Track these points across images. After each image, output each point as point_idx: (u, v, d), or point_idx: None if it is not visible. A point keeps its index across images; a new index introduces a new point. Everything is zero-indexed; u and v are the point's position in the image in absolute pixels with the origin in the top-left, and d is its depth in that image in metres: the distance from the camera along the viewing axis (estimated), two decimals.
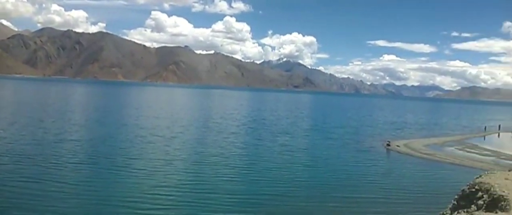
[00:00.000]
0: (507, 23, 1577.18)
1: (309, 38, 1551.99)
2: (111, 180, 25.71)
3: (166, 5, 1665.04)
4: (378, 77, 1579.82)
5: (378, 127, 76.44)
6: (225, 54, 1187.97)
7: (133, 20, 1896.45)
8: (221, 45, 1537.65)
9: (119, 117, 68.03)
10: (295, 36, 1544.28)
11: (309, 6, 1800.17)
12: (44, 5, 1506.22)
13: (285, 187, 26.52)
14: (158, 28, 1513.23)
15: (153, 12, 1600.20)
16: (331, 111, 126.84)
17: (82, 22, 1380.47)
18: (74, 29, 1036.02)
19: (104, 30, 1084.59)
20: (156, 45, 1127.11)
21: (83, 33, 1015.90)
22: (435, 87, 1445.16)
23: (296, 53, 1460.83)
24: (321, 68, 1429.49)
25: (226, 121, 70.27)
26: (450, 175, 33.55)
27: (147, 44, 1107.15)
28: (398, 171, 34.98)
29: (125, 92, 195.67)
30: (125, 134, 46.41)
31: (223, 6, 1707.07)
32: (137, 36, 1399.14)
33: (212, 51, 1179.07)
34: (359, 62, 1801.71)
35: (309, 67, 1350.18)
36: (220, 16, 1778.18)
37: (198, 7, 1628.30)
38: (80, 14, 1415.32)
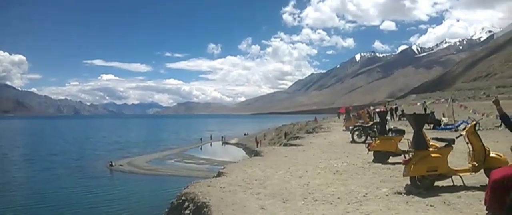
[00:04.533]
0: (211, 45, 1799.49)
1: (18, 57, 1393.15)
2: None
3: None
4: (98, 97, 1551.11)
5: (101, 148, 74.52)
6: None
7: None
8: None
9: None
10: (1, 54, 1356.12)
11: (14, 22, 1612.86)
12: None
13: None
14: None
15: None
16: (49, 136, 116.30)
17: None
18: None
19: None
20: None
21: None
22: (154, 105, 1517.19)
23: (3, 74, 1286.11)
24: (34, 90, 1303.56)
25: None
26: (169, 187, 35.39)
27: None
28: (121, 189, 35.15)
29: None
30: None
31: None
32: None
33: None
34: (77, 83, 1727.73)
35: (20, 89, 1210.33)
36: None
37: None
38: None
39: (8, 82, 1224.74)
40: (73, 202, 30.29)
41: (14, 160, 57.29)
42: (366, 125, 21.04)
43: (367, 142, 18.35)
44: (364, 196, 8.18)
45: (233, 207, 7.73)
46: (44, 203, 30.18)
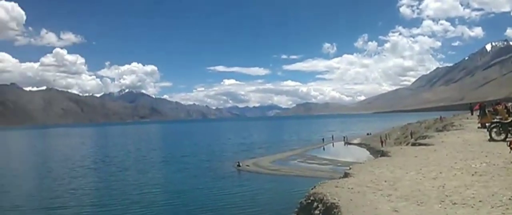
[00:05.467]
0: (326, 45, 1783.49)
1: (150, 67, 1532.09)
2: None
3: None
4: (222, 101, 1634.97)
5: (228, 149, 78.69)
6: (60, 89, 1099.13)
7: None
8: (54, 80, 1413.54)
9: None
10: (135, 66, 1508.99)
11: (147, 35, 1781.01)
12: None
13: None
14: None
15: None
16: (181, 139, 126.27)
17: None
18: None
19: None
20: None
21: None
22: (274, 107, 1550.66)
23: (139, 83, 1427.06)
24: (166, 96, 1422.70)
25: (67, 162, 63.76)
26: (294, 187, 36.01)
27: None
28: (249, 188, 36.66)
29: None
30: None
31: (51, 38, 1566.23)
32: None
33: (44, 87, 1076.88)
34: (203, 88, 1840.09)
35: (154, 96, 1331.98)
36: (48, 49, 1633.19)
37: (22, 41, 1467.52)
38: None
39: (143, 91, 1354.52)
40: (207, 200, 32.36)
41: (152, 161, 63.19)
42: (505, 121, 19.04)
43: (507, 139, 16.64)
44: (510, 199, 7.46)
45: (363, 209, 7.62)
46: (181, 201, 32.67)
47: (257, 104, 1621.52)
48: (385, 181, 9.91)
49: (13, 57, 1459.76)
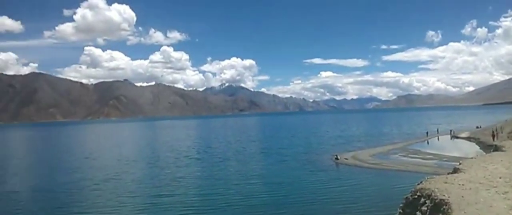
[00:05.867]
0: (430, 33, 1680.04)
1: (249, 62, 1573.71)
2: None
3: (99, 40, 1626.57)
4: (319, 94, 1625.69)
5: (325, 142, 78.13)
6: (167, 84, 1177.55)
7: (66, 58, 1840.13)
8: (162, 75, 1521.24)
9: (52, 160, 64.81)
10: (235, 60, 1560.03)
11: (245, 31, 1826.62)
12: None
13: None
14: (94, 63, 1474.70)
15: (86, 48, 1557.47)
16: (279, 131, 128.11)
17: (12, 64, 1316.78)
18: (4, 72, 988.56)
19: (37, 71, 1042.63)
20: (93, 81, 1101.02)
21: (14, 75, 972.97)
22: (373, 99, 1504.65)
23: (238, 78, 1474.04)
24: (263, 90, 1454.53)
25: (173, 152, 68.38)
26: (397, 182, 34.81)
27: (84, 81, 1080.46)
28: (348, 182, 36.06)
29: (69, 132, 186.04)
30: (69, 179, 44.31)
31: (158, 37, 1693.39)
32: (72, 73, 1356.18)
33: (153, 83, 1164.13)
34: (299, 81, 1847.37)
35: (252, 90, 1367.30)
36: (156, 47, 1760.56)
37: (133, 40, 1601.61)
38: (9, 56, 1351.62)
39: (242, 85, 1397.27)
40: (306, 193, 32.39)
41: (251, 152, 64.95)
42: None
43: None
44: None
45: (476, 206, 7.21)
46: (280, 193, 33.10)
47: (355, 97, 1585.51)
48: (500, 178, 9.25)
49: (125, 55, 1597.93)
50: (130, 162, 57.35)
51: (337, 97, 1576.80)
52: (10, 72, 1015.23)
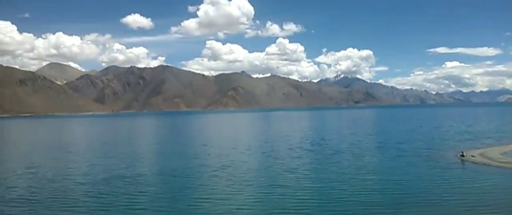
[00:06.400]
0: None
1: (366, 52, 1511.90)
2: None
3: (220, 34, 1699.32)
4: (443, 86, 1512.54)
5: (449, 138, 72.36)
6: (282, 76, 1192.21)
7: (190, 51, 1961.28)
8: (277, 67, 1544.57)
9: (175, 145, 69.69)
10: (351, 51, 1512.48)
11: (362, 20, 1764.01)
12: (107, 45, 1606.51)
13: (362, 211, 25.57)
14: (214, 56, 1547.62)
15: (208, 42, 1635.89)
16: (397, 125, 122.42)
17: (143, 58, 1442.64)
18: (136, 65, 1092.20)
19: (164, 64, 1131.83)
20: (214, 73, 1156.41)
21: (145, 68, 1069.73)
22: (506, 91, 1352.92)
23: (354, 69, 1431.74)
24: (381, 81, 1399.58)
25: (287, 143, 69.13)
26: None
27: (206, 73, 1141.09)
28: (476, 183, 32.78)
29: (191, 121, 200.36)
30: (190, 164, 47.46)
31: (275, 30, 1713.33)
32: (195, 66, 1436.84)
33: (269, 74, 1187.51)
34: (421, 72, 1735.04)
35: (369, 81, 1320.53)
36: (272, 39, 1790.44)
37: (251, 33, 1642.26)
38: (141, 50, 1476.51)
39: (358, 76, 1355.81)
40: (427, 192, 30.24)
41: (367, 146, 62.84)
42: None
43: None
44: None
45: None
46: (398, 190, 31.35)
47: (485, 89, 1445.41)
48: None
49: (243, 48, 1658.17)
50: (245, 151, 59.33)
51: (464, 90, 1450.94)
52: (141, 65, 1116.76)
